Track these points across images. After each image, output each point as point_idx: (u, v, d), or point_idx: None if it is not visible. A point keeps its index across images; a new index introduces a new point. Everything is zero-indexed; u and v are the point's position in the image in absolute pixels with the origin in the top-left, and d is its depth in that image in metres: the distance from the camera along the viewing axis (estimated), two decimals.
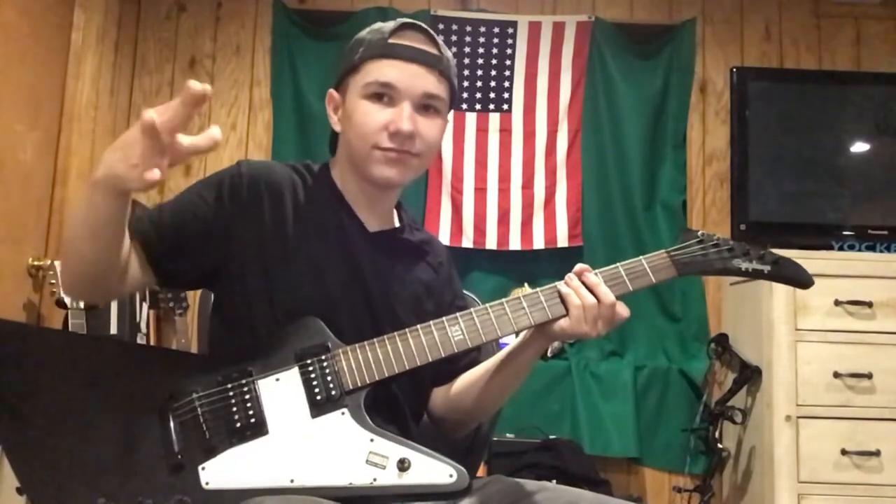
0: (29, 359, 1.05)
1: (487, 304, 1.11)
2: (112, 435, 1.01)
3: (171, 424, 1.02)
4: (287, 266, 1.14)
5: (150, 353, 1.16)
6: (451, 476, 0.99)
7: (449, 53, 1.21)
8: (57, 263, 2.32)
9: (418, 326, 1.09)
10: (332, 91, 1.24)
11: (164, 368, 1.07)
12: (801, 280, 1.15)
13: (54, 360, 1.05)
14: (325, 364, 1.06)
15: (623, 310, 1.10)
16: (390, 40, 1.16)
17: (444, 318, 1.10)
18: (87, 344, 1.06)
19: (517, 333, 1.14)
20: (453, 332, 1.08)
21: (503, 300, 1.11)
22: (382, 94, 1.15)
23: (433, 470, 1.00)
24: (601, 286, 1.09)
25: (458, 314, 1.10)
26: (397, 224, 1.29)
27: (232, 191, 1.15)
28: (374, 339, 1.08)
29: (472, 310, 1.10)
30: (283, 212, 1.16)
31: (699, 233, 1.15)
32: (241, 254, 1.14)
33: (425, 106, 1.17)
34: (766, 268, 1.13)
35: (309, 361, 1.06)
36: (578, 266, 1.13)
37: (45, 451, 1.01)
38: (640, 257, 1.13)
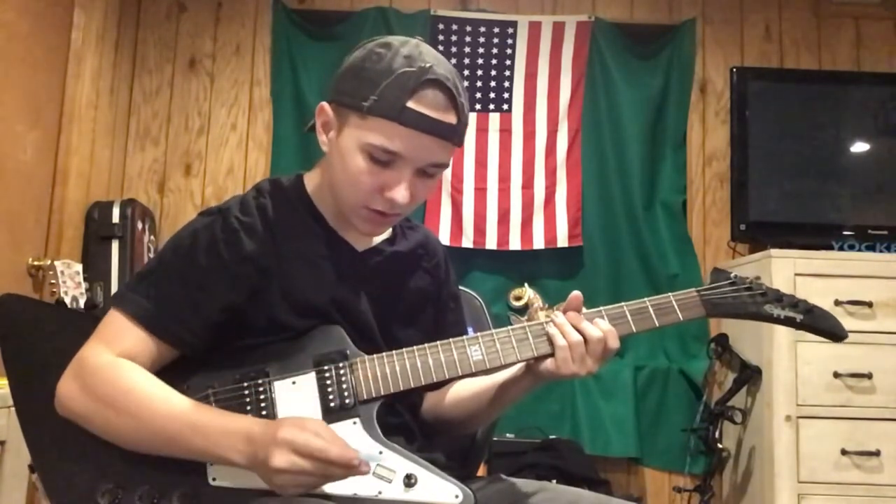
0: (53, 335, 1.05)
1: (509, 328, 1.09)
2: None
3: None
4: (286, 308, 1.09)
5: None
6: (456, 497, 0.98)
7: (466, 108, 1.09)
8: (57, 263, 2.31)
9: (438, 343, 1.07)
10: (325, 106, 1.11)
11: (181, 359, 1.06)
12: (834, 332, 1.12)
13: (77, 340, 1.04)
14: (342, 371, 1.05)
15: (613, 342, 1.06)
16: (408, 104, 1.02)
17: (464, 338, 1.08)
18: None
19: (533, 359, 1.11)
20: (472, 352, 1.07)
21: (516, 326, 1.09)
22: (385, 158, 1.05)
23: (439, 489, 0.99)
24: (583, 322, 1.06)
25: (478, 335, 1.08)
26: (388, 230, 1.23)
27: (218, 258, 1.08)
28: (394, 352, 1.06)
29: (492, 331, 1.09)
30: (265, 257, 1.09)
31: (732, 274, 1.12)
32: (244, 305, 1.09)
33: (426, 172, 1.08)
34: (800, 316, 1.10)
35: (326, 367, 1.05)
36: (571, 295, 1.09)
37: (59, 429, 1.01)
38: (670, 294, 1.11)
